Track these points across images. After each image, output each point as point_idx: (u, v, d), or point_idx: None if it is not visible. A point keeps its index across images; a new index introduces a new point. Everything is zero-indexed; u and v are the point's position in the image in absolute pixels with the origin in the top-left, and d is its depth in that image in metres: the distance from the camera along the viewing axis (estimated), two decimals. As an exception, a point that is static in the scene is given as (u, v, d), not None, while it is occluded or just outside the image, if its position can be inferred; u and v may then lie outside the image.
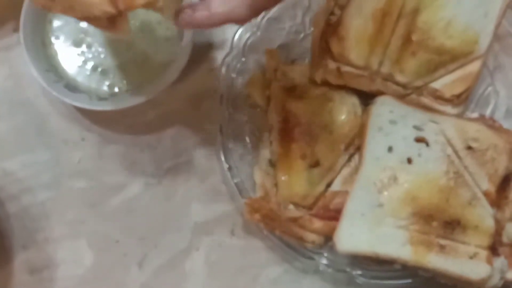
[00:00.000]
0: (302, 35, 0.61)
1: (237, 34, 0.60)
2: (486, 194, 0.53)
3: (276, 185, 0.56)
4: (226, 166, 0.58)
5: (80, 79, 0.58)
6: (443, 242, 0.52)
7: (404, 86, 0.55)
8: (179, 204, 0.60)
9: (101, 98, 0.57)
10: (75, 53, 0.59)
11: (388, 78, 0.55)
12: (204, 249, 0.59)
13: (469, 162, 0.53)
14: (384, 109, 0.55)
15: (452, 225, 0.52)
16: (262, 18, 0.60)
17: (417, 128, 0.54)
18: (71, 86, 0.57)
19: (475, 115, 0.58)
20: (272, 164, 0.57)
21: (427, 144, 0.54)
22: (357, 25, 0.54)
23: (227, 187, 0.59)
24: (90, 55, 0.58)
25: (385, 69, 0.55)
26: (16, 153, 0.60)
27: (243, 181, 0.58)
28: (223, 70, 0.59)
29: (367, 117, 0.55)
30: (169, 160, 0.60)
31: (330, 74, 0.55)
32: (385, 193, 0.52)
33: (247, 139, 0.60)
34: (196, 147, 0.61)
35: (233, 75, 0.60)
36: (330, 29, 0.55)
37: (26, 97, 0.61)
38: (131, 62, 0.58)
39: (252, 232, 0.59)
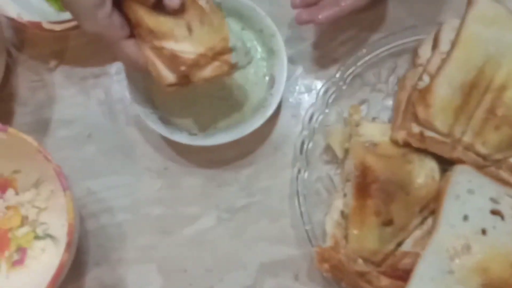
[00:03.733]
0: (384, 94, 0.64)
1: (323, 86, 0.62)
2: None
3: (346, 237, 0.57)
4: (298, 211, 0.60)
5: (174, 113, 0.61)
6: (510, 316, 0.52)
7: (484, 157, 0.56)
8: (248, 242, 0.62)
9: (191, 133, 0.60)
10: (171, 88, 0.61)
11: (469, 148, 0.56)
12: (268, 290, 0.61)
13: (544, 241, 0.54)
14: (463, 178, 0.56)
15: (520, 302, 0.52)
16: (349, 74, 0.63)
17: (493, 200, 0.55)
18: (164, 119, 0.60)
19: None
20: (344, 215, 0.59)
21: (502, 218, 0.54)
22: (445, 95, 0.56)
23: (295, 232, 0.61)
24: (185, 91, 0.61)
25: (467, 139, 0.56)
26: (101, 174, 0.63)
27: (313, 228, 0.59)
28: (306, 118, 0.62)
29: (446, 184, 0.56)
30: (243, 198, 0.63)
31: (413, 137, 0.57)
32: (457, 261, 0.53)
33: (322, 187, 0.62)
34: (270, 189, 0.63)
35: (315, 125, 0.62)
36: (417, 94, 0.57)
37: (118, 122, 0.65)
38: (222, 101, 0.61)
39: (316, 280, 0.60)
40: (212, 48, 0.51)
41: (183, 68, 0.50)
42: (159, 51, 0.50)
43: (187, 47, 0.50)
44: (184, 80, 0.51)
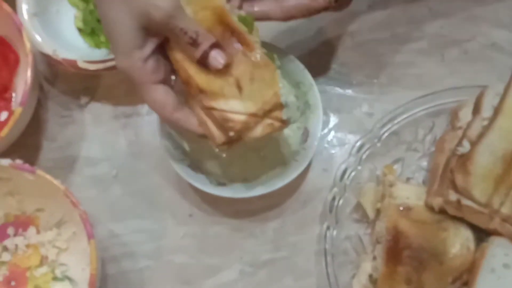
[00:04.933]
0: (420, 154, 0.62)
1: (358, 142, 0.61)
2: None
3: (374, 303, 0.56)
4: (325, 271, 0.58)
5: (204, 161, 0.60)
6: None
7: (522, 231, 0.55)
8: (270, 300, 0.60)
9: (220, 183, 0.58)
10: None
11: (507, 219, 0.54)
12: None
13: None
14: (500, 251, 0.54)
15: None
16: (384, 131, 0.61)
17: (530, 277, 0.53)
18: (194, 166, 0.59)
19: None
20: (372, 280, 0.57)
21: (539, 296, 0.52)
22: (486, 163, 0.54)
23: (321, 293, 0.60)
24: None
25: (505, 210, 0.54)
26: (125, 217, 0.62)
27: (340, 291, 0.58)
28: (338, 174, 0.60)
29: (481, 256, 0.54)
30: (268, 253, 0.61)
31: (450, 205, 0.55)
32: (490, 338, 0.51)
33: (350, 247, 0.60)
34: (296, 245, 0.61)
35: (347, 182, 0.60)
36: (456, 160, 0.55)
37: (146, 165, 0.63)
38: (254, 153, 0.60)
39: None
40: (263, 105, 0.48)
41: (231, 133, 0.48)
42: (209, 111, 0.48)
43: (237, 107, 0.47)
44: (235, 139, 0.49)
